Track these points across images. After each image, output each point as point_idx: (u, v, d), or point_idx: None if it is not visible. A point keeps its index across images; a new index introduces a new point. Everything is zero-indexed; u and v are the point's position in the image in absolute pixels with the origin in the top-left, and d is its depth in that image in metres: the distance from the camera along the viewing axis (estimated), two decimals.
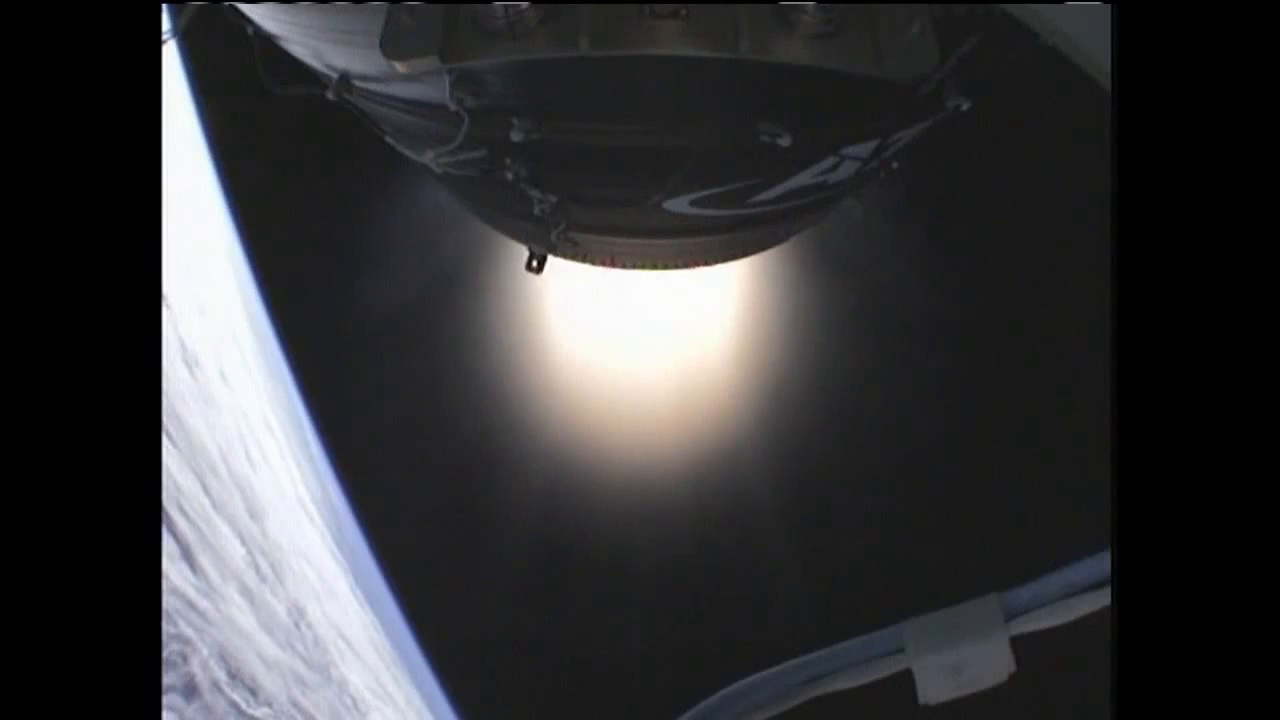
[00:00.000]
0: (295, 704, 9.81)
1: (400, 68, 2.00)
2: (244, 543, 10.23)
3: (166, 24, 2.93)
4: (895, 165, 3.46)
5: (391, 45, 1.98)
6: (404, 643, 11.70)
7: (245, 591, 9.86)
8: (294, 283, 11.04)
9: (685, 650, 9.74)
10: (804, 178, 3.09)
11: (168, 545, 8.79)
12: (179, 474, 9.47)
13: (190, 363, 10.68)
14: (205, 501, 9.82)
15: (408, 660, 11.76)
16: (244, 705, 8.95)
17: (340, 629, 11.47)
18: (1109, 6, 1.19)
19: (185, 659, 8.42)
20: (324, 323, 10.75)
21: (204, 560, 9.31)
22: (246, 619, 9.68)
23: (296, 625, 10.64)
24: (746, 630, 9.56)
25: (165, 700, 8.03)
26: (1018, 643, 1.32)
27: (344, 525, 11.80)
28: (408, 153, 3.03)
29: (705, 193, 3.08)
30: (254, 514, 10.74)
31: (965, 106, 2.38)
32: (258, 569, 10.31)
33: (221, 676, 8.79)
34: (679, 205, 3.12)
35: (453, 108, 2.31)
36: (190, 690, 8.37)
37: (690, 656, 9.54)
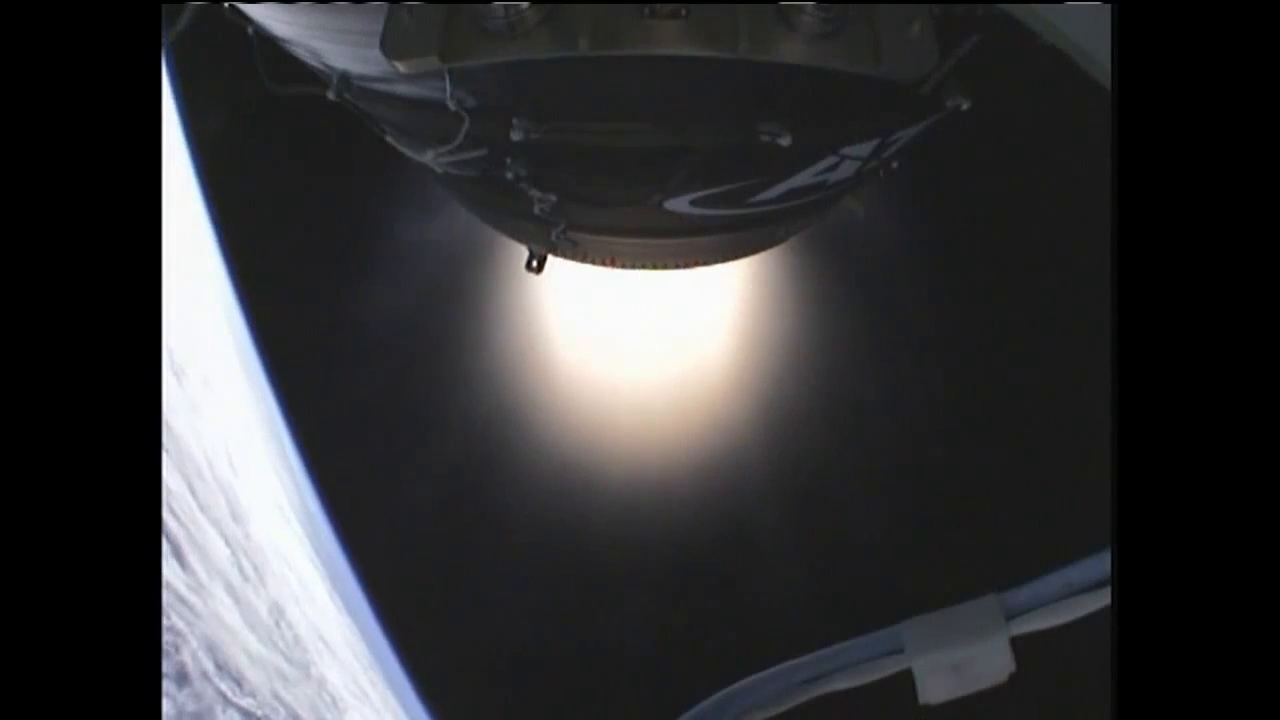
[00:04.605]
0: (278, 697, 10.01)
1: (400, 68, 2.00)
2: (228, 544, 10.43)
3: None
4: (895, 165, 3.46)
5: (391, 45, 1.97)
6: (380, 649, 11.79)
7: (230, 589, 10.06)
8: (279, 286, 10.97)
9: (684, 652, 9.72)
10: (804, 178, 3.09)
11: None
12: (169, 476, 9.68)
13: (177, 371, 10.79)
14: (192, 503, 9.99)
15: (385, 666, 11.87)
16: (230, 695, 9.17)
17: (319, 630, 11.65)
18: (1109, 6, 1.19)
19: (177, 649, 8.66)
20: (314, 325, 10.70)
21: (192, 558, 9.53)
22: (232, 615, 9.89)
23: (277, 624, 10.86)
24: (747, 631, 9.54)
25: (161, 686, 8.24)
26: (1018, 643, 1.32)
27: (321, 532, 11.89)
28: (408, 152, 3.03)
29: (705, 193, 3.08)
30: (237, 517, 10.90)
31: (965, 106, 2.38)
32: (241, 569, 10.52)
33: (210, 667, 9.01)
34: (679, 205, 3.12)
35: (453, 108, 2.31)
36: (182, 677, 8.64)
37: (690, 658, 9.53)
